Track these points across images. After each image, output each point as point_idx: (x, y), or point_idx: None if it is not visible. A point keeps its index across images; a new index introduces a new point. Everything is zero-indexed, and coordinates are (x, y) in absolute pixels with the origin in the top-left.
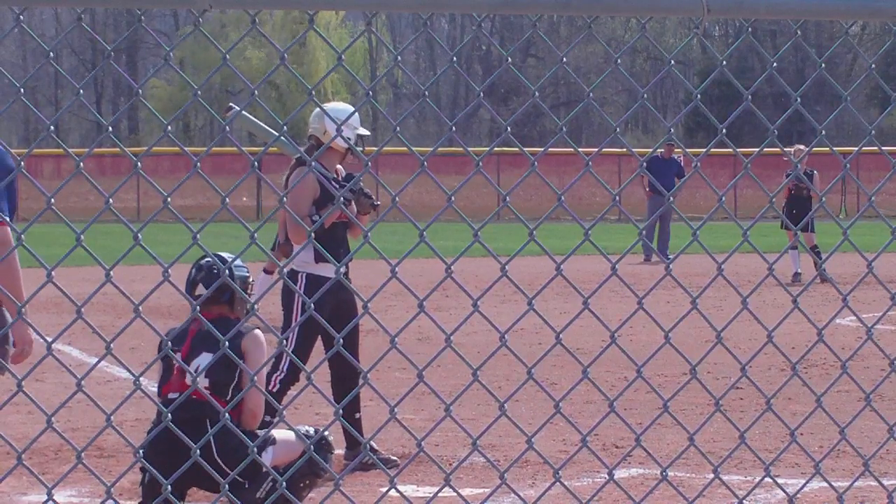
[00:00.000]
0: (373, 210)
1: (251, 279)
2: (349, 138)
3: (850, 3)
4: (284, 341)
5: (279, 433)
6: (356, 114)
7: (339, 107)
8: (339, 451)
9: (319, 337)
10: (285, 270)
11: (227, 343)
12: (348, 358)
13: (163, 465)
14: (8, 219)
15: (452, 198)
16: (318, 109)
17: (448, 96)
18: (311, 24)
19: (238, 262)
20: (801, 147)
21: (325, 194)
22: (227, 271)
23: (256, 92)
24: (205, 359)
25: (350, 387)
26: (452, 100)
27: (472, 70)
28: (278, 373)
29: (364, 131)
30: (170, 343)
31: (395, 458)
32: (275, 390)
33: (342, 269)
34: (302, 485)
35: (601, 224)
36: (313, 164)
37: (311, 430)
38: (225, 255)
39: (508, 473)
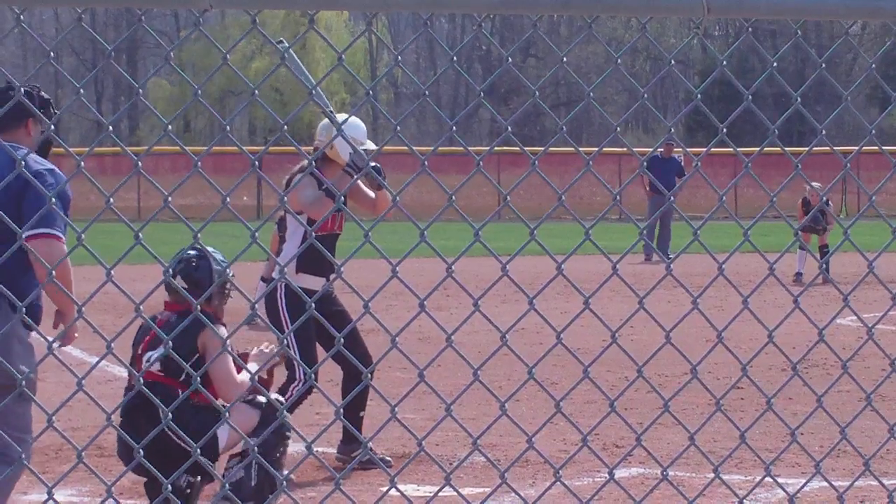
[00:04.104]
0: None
1: (232, 274)
2: (352, 153)
3: (850, 3)
4: (286, 340)
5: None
6: (363, 128)
7: (350, 121)
8: (331, 449)
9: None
10: (274, 277)
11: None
12: (349, 358)
13: (128, 450)
14: (63, 235)
15: (453, 197)
16: (325, 121)
17: (448, 96)
18: (311, 24)
19: (218, 255)
20: (817, 185)
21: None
22: (177, 266)
23: (257, 92)
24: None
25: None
26: (453, 99)
27: (473, 70)
28: (296, 382)
29: (370, 146)
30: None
31: (389, 458)
32: (289, 399)
33: (329, 285)
34: (278, 454)
35: (602, 224)
36: (316, 175)
37: (262, 399)
38: (210, 249)
39: (509, 473)
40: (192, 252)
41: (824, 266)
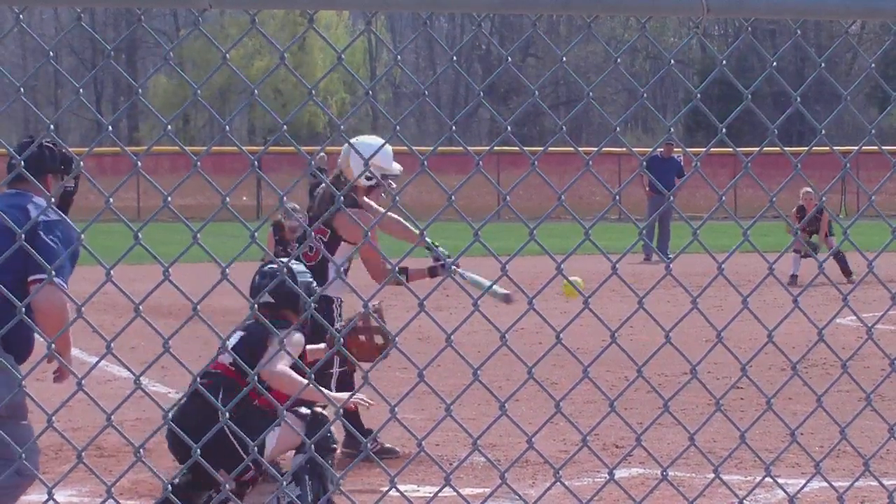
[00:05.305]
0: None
1: (315, 285)
2: (371, 178)
3: (850, 3)
4: (283, 340)
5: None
6: (389, 149)
7: (370, 141)
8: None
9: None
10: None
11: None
12: (349, 357)
13: (180, 426)
14: (66, 285)
15: (453, 197)
16: (352, 140)
17: (448, 96)
18: (311, 24)
19: (302, 268)
20: (809, 190)
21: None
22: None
23: (256, 91)
24: (236, 338)
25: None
26: (452, 99)
27: (472, 69)
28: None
29: (396, 169)
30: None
31: (398, 449)
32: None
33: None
34: (325, 464)
35: (601, 223)
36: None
37: (306, 411)
38: (292, 263)
39: (509, 473)
40: (276, 267)
41: (822, 265)
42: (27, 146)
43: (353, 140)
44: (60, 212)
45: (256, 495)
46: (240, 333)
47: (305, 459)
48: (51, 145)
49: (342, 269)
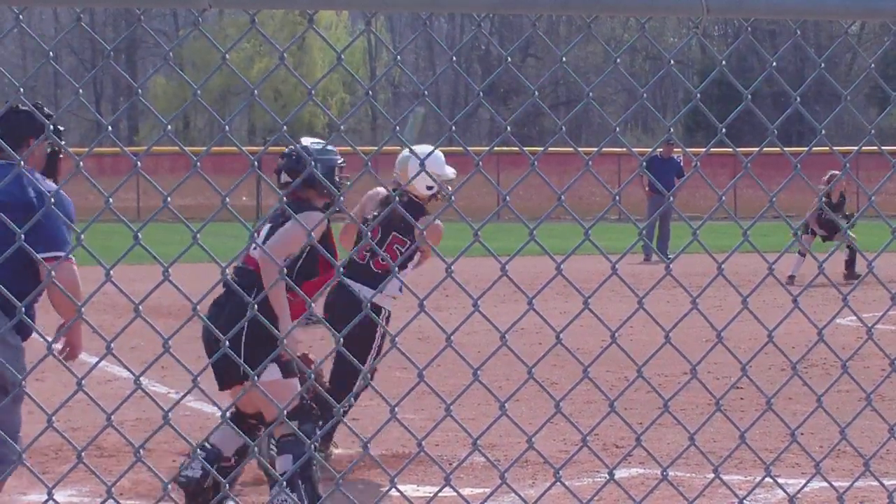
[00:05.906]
0: None
1: (342, 161)
2: (431, 187)
3: (850, 3)
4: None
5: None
6: (441, 156)
7: (424, 149)
8: (341, 450)
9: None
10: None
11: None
12: (349, 357)
13: (216, 322)
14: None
15: (453, 197)
16: (405, 152)
17: (448, 96)
18: (311, 24)
19: (329, 147)
20: (836, 173)
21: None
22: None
23: (256, 92)
24: (266, 230)
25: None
26: (452, 99)
27: (472, 70)
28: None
29: (449, 173)
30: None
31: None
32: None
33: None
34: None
35: (601, 224)
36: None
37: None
38: (310, 141)
39: (508, 473)
40: (294, 147)
41: (822, 266)
42: (8, 114)
43: (408, 151)
44: (50, 175)
45: (255, 495)
46: (268, 225)
47: (300, 464)
48: (30, 109)
49: (406, 273)
